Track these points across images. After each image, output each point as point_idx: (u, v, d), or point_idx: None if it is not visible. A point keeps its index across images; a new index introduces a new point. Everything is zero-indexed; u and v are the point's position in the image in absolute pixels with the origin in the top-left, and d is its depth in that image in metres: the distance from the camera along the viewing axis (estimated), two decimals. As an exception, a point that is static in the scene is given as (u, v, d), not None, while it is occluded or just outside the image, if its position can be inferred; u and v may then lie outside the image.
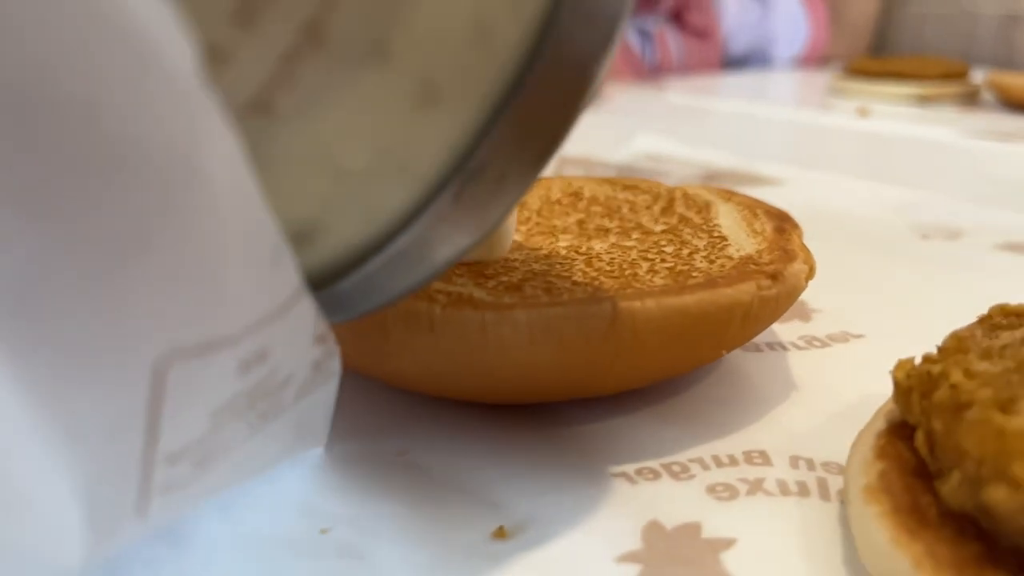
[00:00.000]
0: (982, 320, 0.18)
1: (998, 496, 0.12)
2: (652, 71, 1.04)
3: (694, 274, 0.19)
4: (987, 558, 0.13)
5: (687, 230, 0.23)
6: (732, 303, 0.18)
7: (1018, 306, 0.18)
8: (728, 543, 0.16)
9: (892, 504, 0.14)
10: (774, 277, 0.19)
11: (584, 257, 0.21)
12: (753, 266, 0.20)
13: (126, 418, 0.10)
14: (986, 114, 0.73)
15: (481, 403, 0.20)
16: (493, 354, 0.17)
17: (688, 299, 0.18)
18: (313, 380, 0.14)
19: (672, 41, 1.08)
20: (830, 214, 0.39)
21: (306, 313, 0.13)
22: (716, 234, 0.22)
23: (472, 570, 0.15)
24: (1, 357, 0.09)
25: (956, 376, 0.15)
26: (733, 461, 0.18)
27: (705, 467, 0.18)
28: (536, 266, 0.20)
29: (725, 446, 0.19)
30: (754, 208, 0.24)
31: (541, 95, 0.13)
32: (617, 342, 0.17)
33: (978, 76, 0.85)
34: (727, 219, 0.24)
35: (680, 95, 0.86)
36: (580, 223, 0.25)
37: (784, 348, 0.24)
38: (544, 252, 0.22)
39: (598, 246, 0.22)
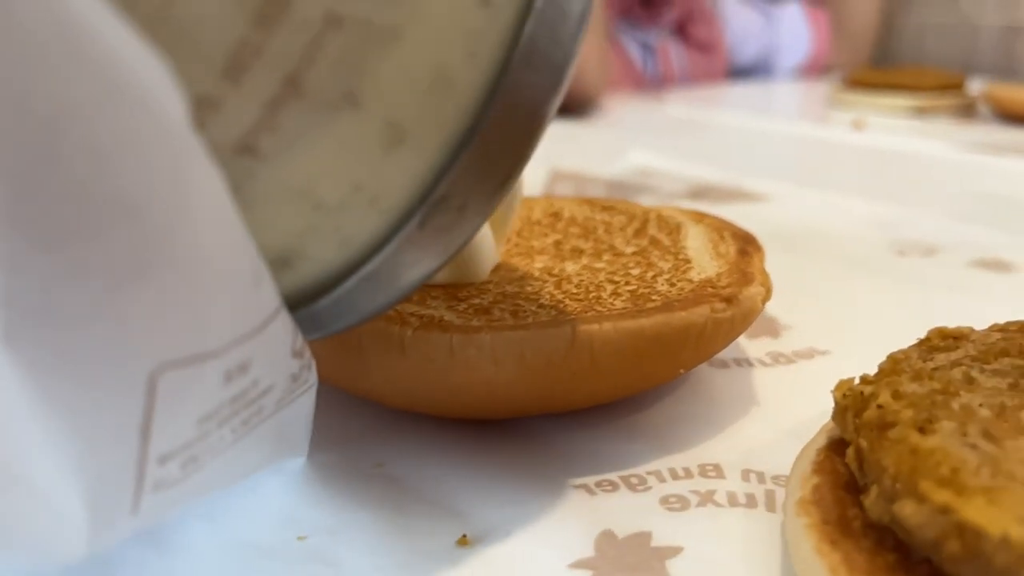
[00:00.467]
0: (921, 342, 0.19)
1: (907, 510, 0.14)
2: (654, 83, 1.06)
3: (654, 297, 0.20)
4: (901, 567, 0.14)
5: (656, 252, 0.24)
6: (687, 325, 0.19)
7: (955, 329, 0.19)
8: (675, 551, 0.17)
9: (821, 516, 0.15)
10: (728, 300, 0.20)
11: (555, 279, 0.22)
12: (711, 289, 0.21)
13: (124, 422, 0.12)
14: (982, 126, 0.74)
15: (454, 418, 0.21)
16: (460, 374, 0.18)
17: (644, 322, 0.19)
18: (292, 391, 0.15)
19: (675, 54, 1.09)
20: (811, 231, 0.40)
21: (284, 329, 0.14)
22: (682, 256, 0.24)
23: (434, 575, 0.16)
24: (21, 368, 0.11)
25: (884, 397, 0.16)
26: (688, 474, 0.19)
27: (661, 480, 0.19)
28: (509, 288, 0.22)
29: (682, 460, 0.20)
30: (722, 230, 0.26)
31: (496, 134, 0.14)
32: (576, 363, 0.18)
33: (977, 87, 0.86)
34: (695, 241, 0.25)
35: (680, 107, 0.87)
36: (557, 244, 0.26)
37: (750, 364, 0.25)
38: (518, 274, 0.23)
39: (570, 268, 0.23)
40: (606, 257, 0.24)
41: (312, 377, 0.16)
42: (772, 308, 0.30)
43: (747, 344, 0.27)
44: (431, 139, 0.14)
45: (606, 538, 0.17)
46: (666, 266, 0.23)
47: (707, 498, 0.18)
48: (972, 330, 0.19)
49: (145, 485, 0.13)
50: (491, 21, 0.13)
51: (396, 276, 0.15)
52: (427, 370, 0.19)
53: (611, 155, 0.58)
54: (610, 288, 0.21)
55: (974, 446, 0.14)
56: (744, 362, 0.26)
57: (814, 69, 1.21)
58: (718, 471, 0.20)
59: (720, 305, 0.20)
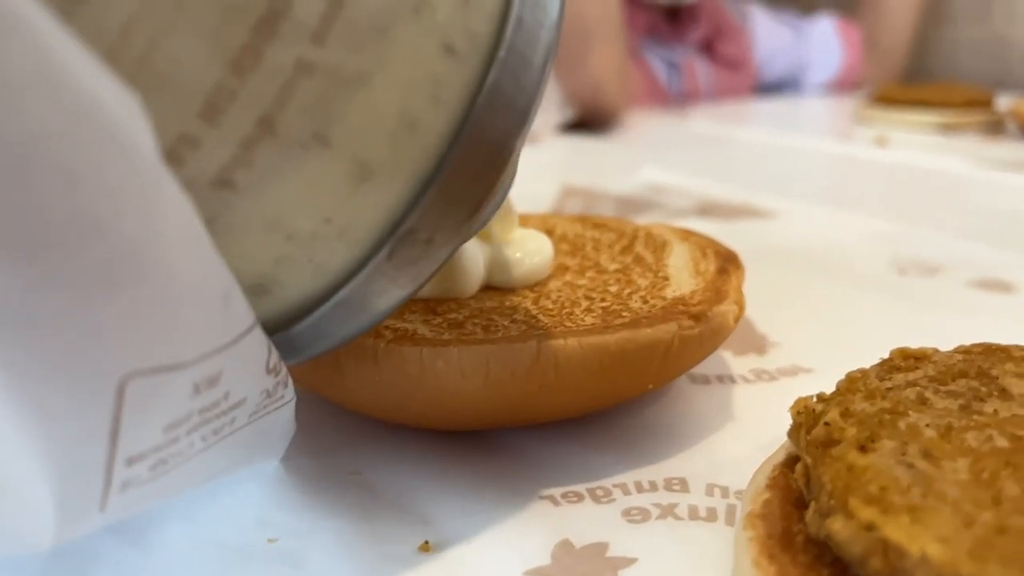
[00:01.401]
0: (883, 362, 0.19)
1: (836, 526, 0.14)
2: (679, 99, 1.06)
3: (624, 314, 0.21)
4: (833, 581, 0.14)
5: (637, 270, 0.25)
6: (652, 342, 0.20)
7: (917, 350, 0.19)
8: (629, 562, 0.17)
9: (766, 530, 0.16)
10: (697, 318, 0.21)
11: (535, 295, 0.23)
12: (681, 307, 0.21)
13: (94, 424, 0.12)
14: (1008, 143, 0.73)
15: (429, 429, 0.22)
16: (429, 385, 0.19)
17: (609, 338, 0.19)
18: (266, 405, 0.16)
19: (701, 71, 1.09)
20: (813, 248, 0.40)
21: (258, 346, 0.15)
22: (661, 274, 0.24)
23: (393, 579, 0.17)
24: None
25: (831, 415, 0.16)
26: (653, 487, 0.20)
27: (626, 492, 0.20)
28: (489, 303, 0.22)
29: (650, 473, 0.20)
30: (705, 249, 0.26)
31: (460, 173, 0.15)
32: (541, 376, 0.19)
33: (1006, 103, 0.85)
34: (678, 259, 0.25)
35: (703, 123, 0.87)
36: (545, 261, 0.26)
37: (732, 381, 0.26)
38: (501, 290, 0.24)
39: (552, 284, 0.24)
40: (589, 274, 0.25)
41: (288, 393, 0.17)
42: (762, 325, 0.30)
43: (731, 360, 0.27)
44: (397, 177, 0.15)
45: (563, 547, 0.18)
46: (644, 283, 0.24)
47: (668, 511, 0.19)
48: (936, 351, 0.20)
49: (113, 484, 0.14)
50: (456, 69, 0.14)
51: (367, 304, 0.16)
52: (398, 382, 0.19)
53: (626, 171, 0.58)
54: (585, 304, 0.22)
55: (910, 465, 0.15)
56: (727, 378, 0.26)
57: (845, 85, 1.20)
58: (683, 485, 0.20)
59: (688, 322, 0.20)
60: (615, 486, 0.20)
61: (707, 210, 0.48)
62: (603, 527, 0.18)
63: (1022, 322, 0.31)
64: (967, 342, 0.20)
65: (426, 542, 0.18)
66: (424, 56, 0.14)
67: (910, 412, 0.17)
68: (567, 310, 0.22)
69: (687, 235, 0.28)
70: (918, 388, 0.18)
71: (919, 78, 1.20)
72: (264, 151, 0.13)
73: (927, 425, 0.16)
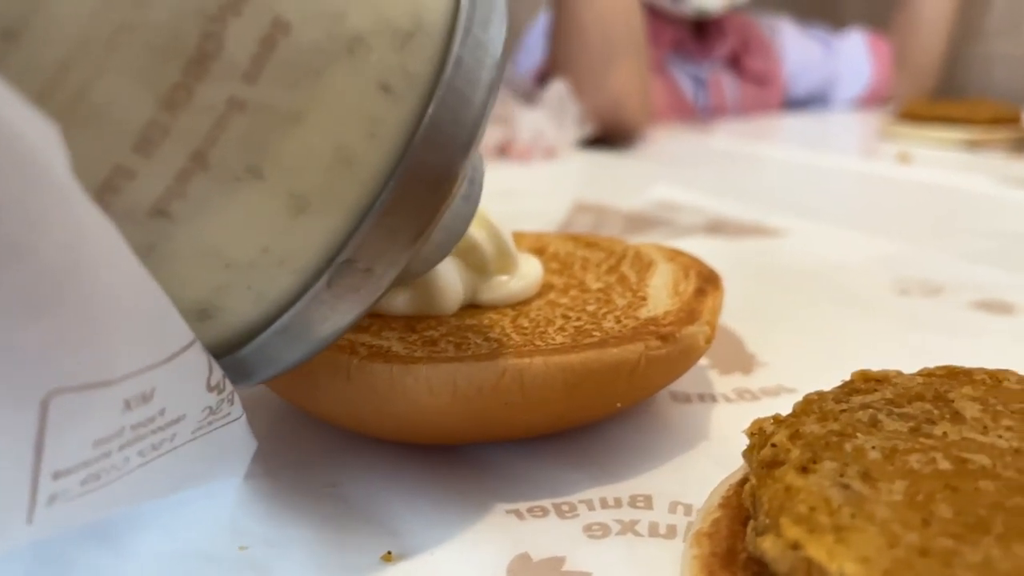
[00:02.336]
0: (843, 384, 0.19)
1: (766, 544, 0.14)
2: (704, 114, 1.06)
3: (595, 333, 0.21)
4: (769, 600, 0.15)
5: (618, 289, 0.25)
6: (618, 362, 0.20)
7: (879, 372, 0.20)
8: (582, 576, 0.18)
9: (711, 548, 0.16)
10: (664, 338, 0.21)
11: (515, 314, 0.24)
12: (652, 327, 0.22)
13: (18, 439, 0.13)
14: (1034, 161, 0.72)
15: (406, 443, 0.22)
16: (399, 401, 0.20)
17: (574, 358, 0.20)
18: (211, 422, 0.17)
19: (728, 86, 1.09)
20: (816, 267, 0.40)
21: (196, 363, 0.15)
22: (640, 294, 0.25)
23: (353, 588, 0.17)
24: None
25: (779, 437, 0.17)
26: (618, 503, 0.20)
27: (591, 508, 0.20)
28: (468, 321, 0.23)
29: (616, 490, 0.21)
30: (688, 269, 0.26)
31: (399, 205, 0.16)
32: (507, 394, 0.20)
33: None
34: (660, 279, 0.26)
35: (725, 139, 0.87)
36: (532, 279, 0.27)
37: (714, 400, 0.26)
38: (484, 309, 0.24)
39: (535, 303, 0.25)
40: (572, 293, 0.25)
41: (236, 411, 0.18)
42: (753, 344, 0.31)
43: (716, 379, 0.28)
44: (334, 209, 0.15)
45: (521, 560, 0.18)
46: (622, 303, 0.24)
47: (629, 527, 0.19)
48: (899, 373, 0.20)
49: (39, 498, 0.14)
50: (392, 107, 0.15)
51: (309, 330, 0.16)
52: (370, 397, 0.20)
53: (642, 187, 0.58)
54: (559, 323, 0.22)
55: (846, 486, 0.15)
56: (708, 397, 0.26)
57: (874, 100, 1.19)
58: (648, 502, 0.20)
59: (655, 343, 0.21)
60: (581, 502, 0.20)
61: (716, 228, 0.48)
62: (563, 542, 0.19)
63: (1021, 343, 0.31)
64: (964, 363, 0.20)
65: (389, 552, 0.18)
66: (359, 95, 0.14)
67: (858, 434, 0.17)
68: (541, 329, 0.22)
69: (674, 255, 0.28)
70: (872, 410, 0.18)
71: (951, 94, 1.19)
72: (198, 183, 0.14)
73: (873, 447, 0.16)
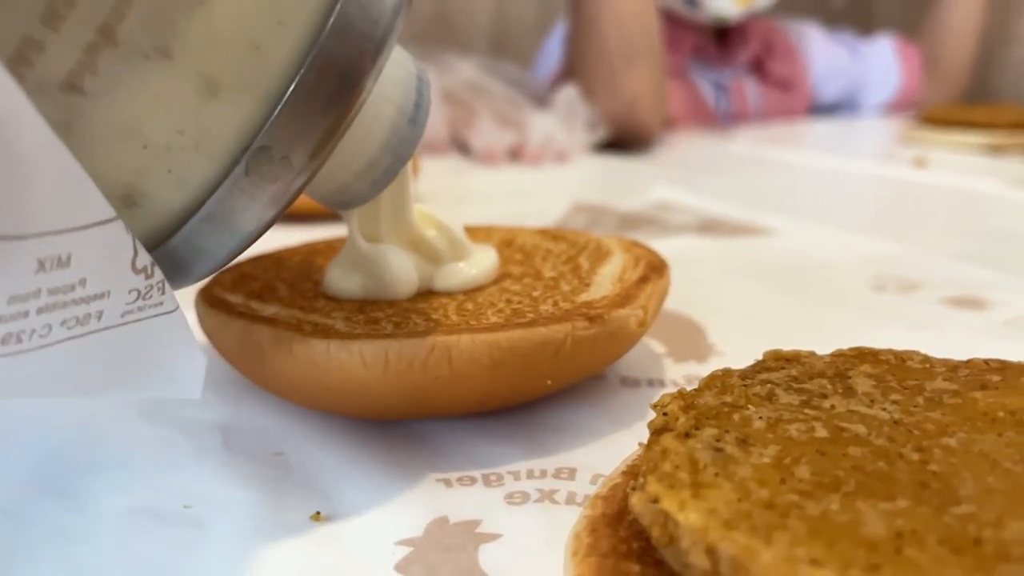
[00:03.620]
0: (756, 363, 0.20)
1: (633, 500, 0.15)
2: (725, 120, 1.06)
3: (529, 315, 0.23)
4: (639, 556, 0.16)
5: (569, 277, 0.26)
6: (543, 341, 0.21)
7: (790, 352, 0.20)
8: (493, 537, 0.19)
9: (603, 509, 0.17)
10: (592, 319, 0.22)
11: (463, 299, 0.25)
12: (585, 310, 0.23)
13: None
14: (1054, 165, 0.71)
15: (349, 416, 0.24)
16: (336, 374, 0.21)
17: (500, 336, 0.21)
18: (140, 307, 0.17)
19: (750, 91, 1.09)
20: (798, 265, 0.41)
21: (117, 241, 0.16)
22: (586, 281, 0.26)
23: (279, 541, 0.19)
24: None
25: (671, 406, 0.18)
26: (543, 475, 0.21)
27: (517, 478, 0.21)
28: (416, 305, 0.24)
29: (544, 463, 0.22)
30: (640, 259, 0.28)
31: (310, 96, 0.16)
32: (436, 368, 0.21)
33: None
34: (610, 268, 0.27)
35: (743, 144, 0.87)
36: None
37: (663, 385, 0.27)
38: (439, 294, 0.26)
39: (488, 289, 0.26)
40: (526, 280, 0.27)
41: (169, 302, 0.18)
42: (715, 336, 0.31)
43: (670, 366, 0.28)
44: (245, 96, 0.16)
45: (439, 523, 0.19)
46: (566, 289, 0.25)
47: (547, 495, 0.20)
48: (812, 354, 0.21)
49: None
50: None
51: (233, 220, 0.17)
52: (310, 370, 0.21)
53: (639, 189, 0.59)
54: (500, 307, 0.24)
55: (720, 450, 0.16)
56: (657, 382, 0.27)
57: (903, 105, 1.19)
58: (571, 474, 0.21)
59: (583, 324, 0.22)
60: (508, 472, 0.22)
61: (707, 227, 0.49)
62: (483, 507, 0.20)
63: (987, 335, 0.31)
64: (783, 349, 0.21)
65: (318, 512, 0.20)
66: None
67: (750, 406, 0.18)
68: (481, 311, 0.23)
69: (631, 247, 0.29)
70: (771, 386, 0.19)
71: (984, 98, 1.17)
72: (107, 59, 0.15)
73: (760, 418, 0.17)
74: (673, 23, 1.00)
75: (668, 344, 0.30)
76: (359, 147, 0.21)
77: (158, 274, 0.17)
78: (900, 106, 1.19)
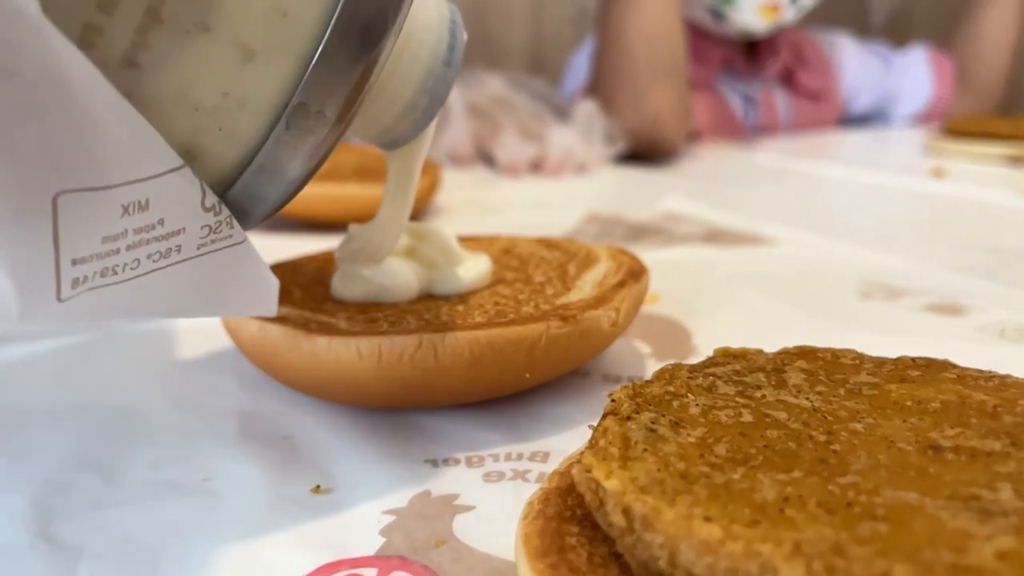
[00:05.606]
0: (707, 359, 0.23)
1: (573, 471, 0.18)
2: (754, 132, 1.07)
3: (509, 315, 0.25)
4: (583, 523, 0.18)
5: (555, 282, 0.29)
6: (519, 338, 0.24)
7: (738, 349, 0.23)
8: (467, 509, 0.21)
9: (557, 483, 0.20)
10: (565, 319, 0.25)
11: (456, 301, 0.28)
12: (561, 311, 0.25)
13: (35, 229, 0.16)
14: (1075, 176, 0.72)
15: (350, 405, 0.27)
16: (335, 367, 0.24)
17: (480, 333, 0.24)
18: (213, 240, 0.20)
19: (780, 103, 1.10)
20: (792, 273, 0.43)
21: (188, 185, 0.18)
22: (569, 286, 0.28)
23: (283, 509, 0.22)
24: None
25: (619, 394, 0.20)
26: (520, 457, 0.24)
27: (496, 460, 0.24)
28: (416, 307, 0.27)
29: (523, 447, 0.25)
30: (623, 266, 0.30)
31: (338, 52, 0.19)
32: (423, 361, 0.24)
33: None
34: (594, 274, 0.30)
35: (768, 156, 0.89)
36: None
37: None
38: (437, 298, 0.28)
39: (481, 293, 0.29)
40: (516, 285, 0.29)
41: (238, 234, 0.20)
42: (699, 338, 0.34)
43: (652, 365, 0.31)
44: (278, 58, 0.18)
45: (421, 496, 0.22)
46: (550, 292, 0.28)
47: (520, 475, 0.23)
48: (758, 351, 0.23)
49: (63, 281, 0.17)
50: None
51: (282, 169, 0.19)
52: (313, 363, 0.24)
53: (652, 200, 0.61)
54: (487, 308, 0.26)
55: (653, 431, 0.18)
56: (637, 379, 0.29)
57: (935, 117, 1.19)
58: (544, 457, 0.24)
59: (557, 323, 0.25)
60: (489, 455, 0.24)
61: (712, 237, 0.51)
62: (462, 484, 0.23)
63: (958, 339, 0.33)
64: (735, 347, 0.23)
65: (318, 486, 0.23)
66: None
67: (690, 395, 0.20)
68: (469, 312, 0.26)
69: (617, 254, 0.32)
70: (713, 378, 0.21)
71: (1015, 111, 1.17)
72: (156, 36, 0.17)
73: (697, 405, 0.20)
74: (701, 37, 1.02)
75: (653, 344, 0.33)
76: (398, 91, 0.23)
77: (225, 211, 0.20)
78: (931, 117, 1.19)
